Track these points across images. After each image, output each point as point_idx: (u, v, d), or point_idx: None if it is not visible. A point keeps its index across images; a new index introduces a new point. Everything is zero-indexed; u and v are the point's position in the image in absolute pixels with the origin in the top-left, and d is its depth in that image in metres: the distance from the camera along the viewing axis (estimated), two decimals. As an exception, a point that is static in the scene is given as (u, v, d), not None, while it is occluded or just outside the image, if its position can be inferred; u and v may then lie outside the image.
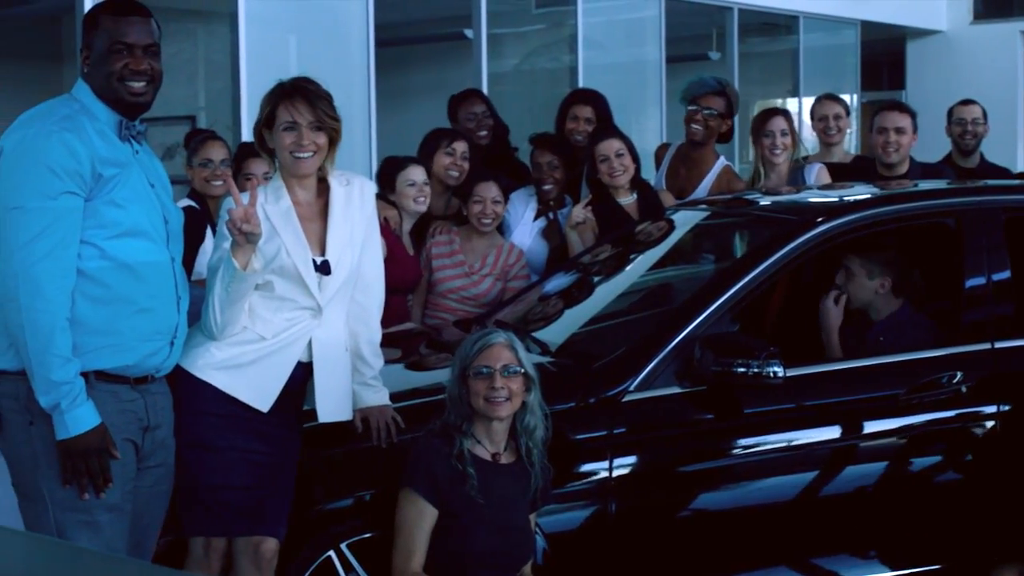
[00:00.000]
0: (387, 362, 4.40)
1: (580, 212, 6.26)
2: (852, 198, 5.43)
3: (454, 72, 12.82)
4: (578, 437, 4.40)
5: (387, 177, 6.14)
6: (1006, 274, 4.99)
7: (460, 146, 6.44)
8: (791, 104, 15.44)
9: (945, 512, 4.81)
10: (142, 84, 3.79)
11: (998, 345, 4.89)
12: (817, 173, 6.54)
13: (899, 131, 6.53)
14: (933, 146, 7.24)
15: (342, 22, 10.35)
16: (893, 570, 4.78)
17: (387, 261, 4.38)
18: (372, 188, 4.32)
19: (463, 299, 6.11)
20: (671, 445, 4.54)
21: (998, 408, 4.80)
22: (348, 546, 4.14)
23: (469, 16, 11.75)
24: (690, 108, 6.72)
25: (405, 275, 5.90)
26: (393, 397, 4.28)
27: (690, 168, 6.79)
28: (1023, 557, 4.55)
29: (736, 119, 6.92)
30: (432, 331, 5.85)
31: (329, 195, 4.17)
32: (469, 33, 11.86)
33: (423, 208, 6.11)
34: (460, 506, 4.01)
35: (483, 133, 7.09)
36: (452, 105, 7.27)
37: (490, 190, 6.13)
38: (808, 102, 8.12)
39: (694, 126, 6.69)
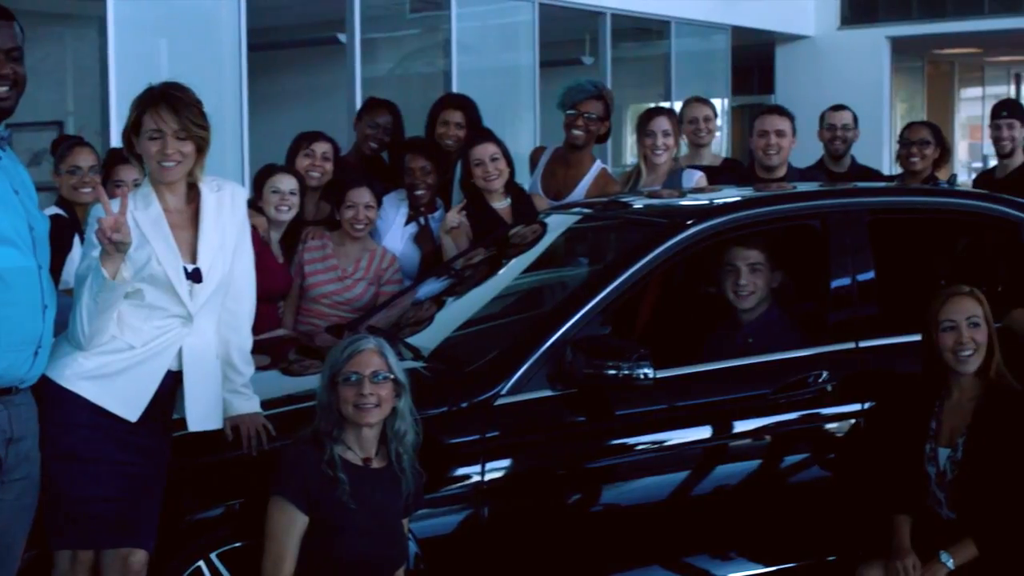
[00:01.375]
0: (258, 369, 4.37)
1: (454, 217, 6.27)
2: (721, 201, 5.50)
3: (328, 77, 12.78)
4: (450, 441, 4.40)
5: (260, 184, 6.11)
6: (870, 274, 5.09)
7: (320, 147, 6.42)
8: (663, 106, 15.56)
9: (812, 509, 4.89)
10: (5, 89, 3.71)
11: (862, 344, 4.98)
12: (697, 181, 6.61)
13: (779, 134, 6.63)
14: (802, 150, 7.36)
15: (214, 26, 10.26)
16: (763, 567, 4.84)
17: (256, 269, 4.34)
18: (243, 194, 4.29)
19: (336, 304, 6.09)
20: (543, 448, 4.56)
21: (862, 406, 4.89)
22: (218, 556, 4.09)
23: (343, 20, 11.70)
24: (569, 113, 6.74)
25: (274, 283, 5.87)
26: (264, 404, 4.25)
27: (567, 171, 6.83)
28: (887, 553, 4.63)
29: (610, 122, 6.97)
30: (304, 337, 5.82)
31: (200, 201, 4.13)
32: (343, 37, 11.81)
33: (286, 217, 6.08)
34: (331, 512, 3.99)
35: (374, 145, 7.09)
36: (361, 109, 7.32)
37: (363, 195, 6.11)
38: (680, 106, 8.21)
39: (575, 131, 6.73)
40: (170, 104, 4.01)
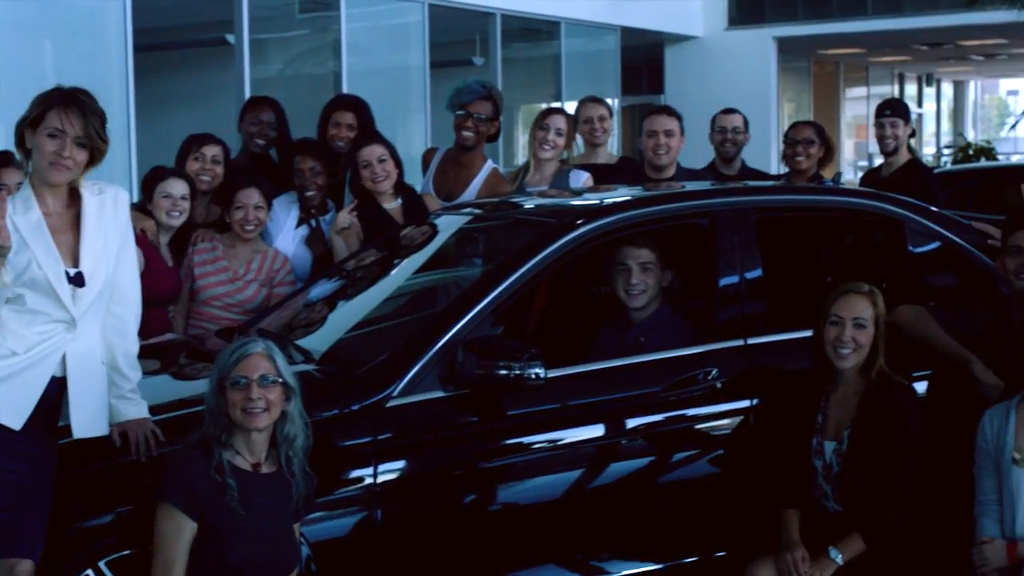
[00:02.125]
0: (146, 374, 4.33)
1: (345, 218, 6.25)
2: (611, 200, 5.53)
3: (217, 78, 12.67)
4: (343, 444, 4.38)
5: (149, 187, 6.02)
6: (758, 272, 5.15)
7: (210, 150, 6.36)
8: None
9: (703, 505, 4.93)
10: None
11: (751, 341, 5.04)
12: (584, 182, 6.64)
13: (668, 134, 6.71)
14: (691, 150, 7.43)
15: (99, 27, 10.13)
16: (656, 563, 4.88)
17: (145, 273, 4.30)
18: (126, 197, 4.24)
19: (228, 306, 6.03)
20: (436, 449, 4.56)
21: (751, 402, 4.95)
22: (107, 564, 4.04)
23: (231, 21, 11.61)
24: (458, 114, 6.76)
25: (164, 287, 5.80)
26: (153, 410, 4.20)
27: (458, 171, 6.83)
28: (777, 548, 4.68)
29: (501, 121, 7.00)
30: (194, 341, 5.76)
31: (81, 205, 4.07)
32: (231, 38, 11.72)
33: (177, 222, 6.00)
34: (220, 518, 3.95)
35: (261, 142, 7.03)
36: (243, 108, 7.24)
37: (252, 196, 6.07)
38: (571, 106, 8.25)
39: (465, 132, 6.74)
40: (80, 108, 3.96)
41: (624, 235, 5.17)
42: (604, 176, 6.89)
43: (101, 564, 4.03)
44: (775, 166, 16.06)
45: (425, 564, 4.52)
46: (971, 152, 22.54)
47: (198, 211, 6.36)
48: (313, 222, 6.45)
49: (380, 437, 4.39)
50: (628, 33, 17.47)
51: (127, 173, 9.64)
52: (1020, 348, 4.71)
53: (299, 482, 4.09)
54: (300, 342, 5.06)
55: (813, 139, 7.17)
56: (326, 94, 10.30)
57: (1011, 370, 4.64)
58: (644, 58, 19.64)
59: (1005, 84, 46.95)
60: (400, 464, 4.44)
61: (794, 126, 7.45)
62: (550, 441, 4.71)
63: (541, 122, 6.75)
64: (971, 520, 4.67)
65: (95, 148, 4.00)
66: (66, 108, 3.96)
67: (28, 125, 4.01)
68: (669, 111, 6.93)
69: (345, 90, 11.95)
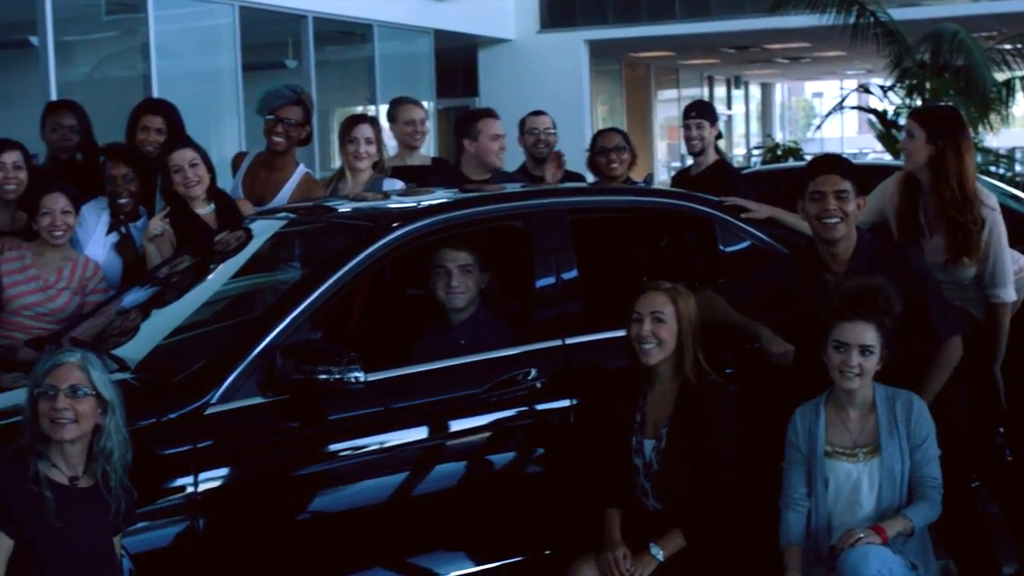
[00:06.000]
0: (-46, 386, 4.20)
1: (157, 224, 6.15)
2: (427, 203, 5.55)
3: (20, 80, 12.35)
4: (162, 453, 4.31)
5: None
6: (573, 273, 5.21)
7: (10, 157, 6.18)
8: (369, 111, 15.65)
9: (528, 505, 4.97)
10: None
11: (569, 341, 5.10)
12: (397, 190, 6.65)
13: (504, 137, 6.79)
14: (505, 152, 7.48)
15: None
16: (483, 564, 4.90)
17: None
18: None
19: (39, 316, 5.88)
20: (258, 456, 4.51)
21: (571, 402, 5.01)
22: (-84, 583, 3.93)
23: (34, 22, 11.33)
24: (268, 119, 6.72)
25: (-31, 297, 5.65)
26: (-38, 422, 4.09)
27: (269, 175, 6.79)
28: (598, 546, 4.74)
29: (316, 123, 6.96)
30: (3, 352, 5.61)
31: None
32: (35, 40, 11.44)
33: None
34: (36, 532, 3.86)
35: (63, 148, 6.87)
36: (44, 113, 7.08)
37: (58, 201, 5.92)
38: (386, 108, 8.24)
39: (276, 137, 6.72)
40: None
41: (441, 237, 5.18)
42: (418, 177, 6.90)
43: (-91, 584, 3.92)
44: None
45: (250, 573, 4.47)
46: (779, 152, 23.11)
47: (3, 218, 6.19)
48: (124, 228, 6.33)
49: (200, 445, 4.33)
50: (441, 36, 17.51)
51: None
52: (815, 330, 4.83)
53: (117, 497, 4.01)
54: (115, 351, 4.96)
55: (624, 145, 7.27)
56: (135, 97, 10.10)
57: (818, 367, 4.77)
58: (458, 61, 19.71)
59: (810, 86, 48.32)
60: (221, 472, 4.38)
61: (602, 135, 7.51)
62: (373, 445, 4.70)
63: (348, 134, 6.75)
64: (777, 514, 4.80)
65: None
66: None
67: None
68: (494, 114, 6.99)
69: (155, 93, 11.76)
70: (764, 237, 5.71)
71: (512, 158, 7.82)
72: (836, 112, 18.18)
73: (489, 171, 6.83)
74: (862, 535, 4.49)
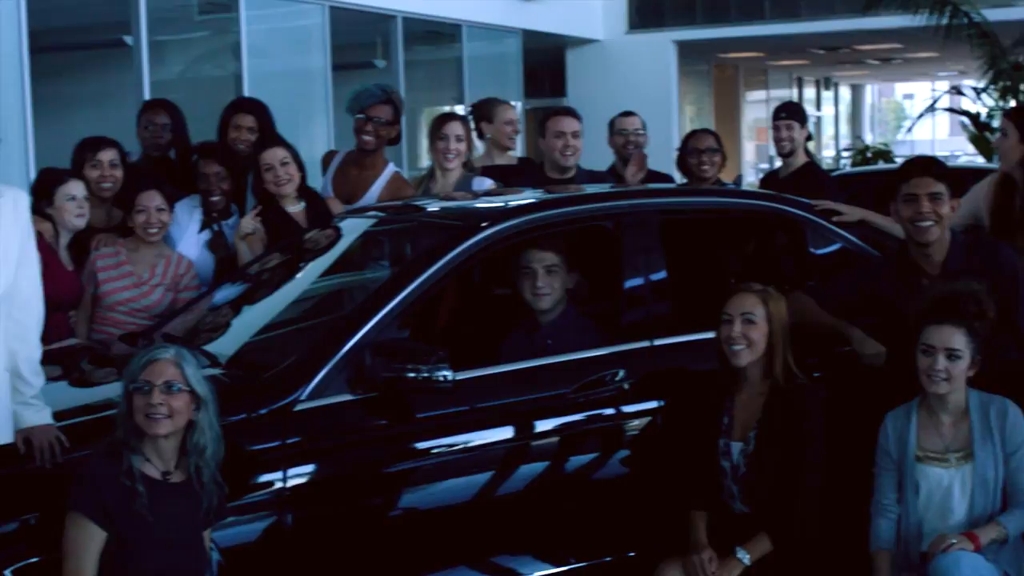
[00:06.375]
0: (49, 380, 4.27)
1: (249, 223, 6.21)
2: (516, 203, 5.55)
3: (115, 79, 12.51)
4: (251, 449, 4.35)
5: (44, 190, 5.92)
6: (662, 274, 5.19)
7: (106, 155, 6.27)
8: (457, 111, 15.67)
9: (612, 506, 4.96)
10: None
11: (657, 343, 5.08)
12: (487, 188, 6.65)
13: (575, 135, 6.76)
14: (592, 153, 7.46)
15: (-8, 28, 9.96)
16: (566, 565, 4.90)
17: (44, 277, 4.22)
18: (26, 200, 4.18)
19: (133, 311, 5.96)
20: (345, 453, 4.54)
21: (659, 403, 4.99)
22: (14, 571, 3.97)
23: (129, 22, 11.47)
24: (358, 118, 6.75)
25: (64, 291, 5.71)
26: (56, 416, 4.15)
27: (359, 173, 6.82)
28: (685, 549, 4.72)
29: (404, 123, 6.98)
30: (97, 346, 5.69)
31: (-21, 209, 4.01)
32: (129, 40, 11.58)
33: (82, 224, 5.93)
34: (129, 526, 3.91)
35: (155, 145, 6.97)
36: (139, 113, 7.18)
37: (153, 199, 6.00)
38: (472, 108, 8.25)
39: (365, 136, 6.74)
40: None
41: (529, 238, 5.18)
42: (505, 177, 6.90)
43: (7, 572, 3.97)
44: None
45: (336, 568, 4.49)
46: (869, 155, 22.89)
47: (99, 215, 6.28)
48: (216, 226, 6.40)
49: (289, 441, 4.37)
50: (530, 36, 17.51)
51: (25, 176, 9.48)
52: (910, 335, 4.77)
53: (208, 492, 4.06)
54: (206, 346, 5.01)
55: (716, 147, 7.24)
56: (227, 96, 10.19)
57: (910, 371, 4.71)
58: (546, 61, 19.71)
59: (901, 88, 47.77)
60: (310, 468, 4.42)
61: (694, 135, 7.47)
62: (459, 444, 4.72)
63: (439, 131, 6.73)
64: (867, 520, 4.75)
65: None
66: None
67: None
68: (573, 112, 6.97)
69: (246, 93, 11.85)
70: (855, 240, 5.66)
71: (601, 158, 7.81)
72: (928, 114, 17.96)
73: (559, 169, 6.79)
74: (954, 541, 4.43)
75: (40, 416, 4.10)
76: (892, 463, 4.70)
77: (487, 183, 6.69)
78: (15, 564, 3.99)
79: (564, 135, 6.75)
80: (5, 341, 4.06)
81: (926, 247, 5.05)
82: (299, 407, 4.42)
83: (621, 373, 4.95)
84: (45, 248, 5.59)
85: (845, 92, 36.91)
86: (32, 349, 4.16)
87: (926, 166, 5.18)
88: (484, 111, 7.76)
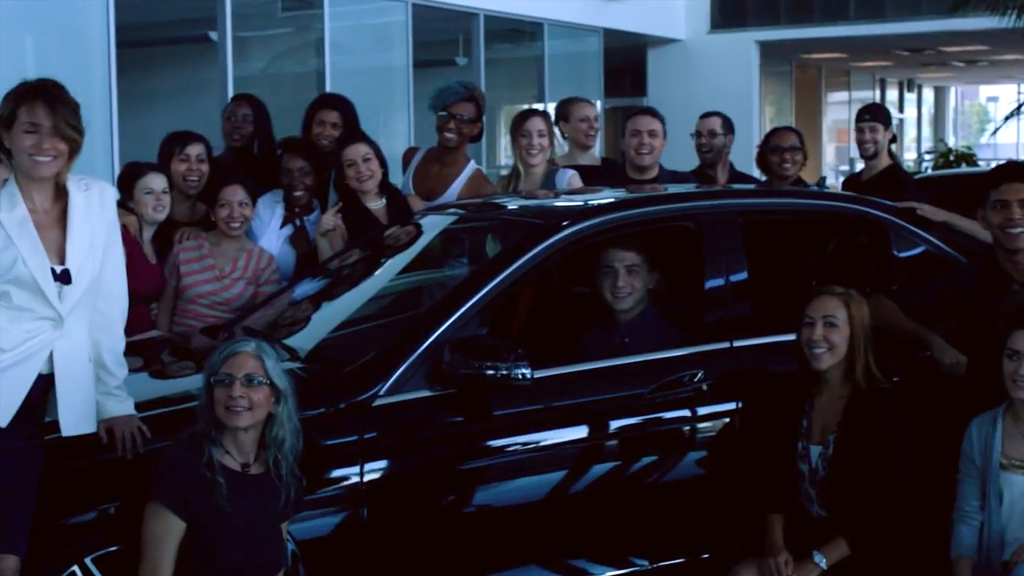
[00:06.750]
0: (131, 371, 4.31)
1: (330, 219, 6.24)
2: (597, 202, 5.54)
3: (199, 74, 12.64)
4: (328, 443, 4.37)
5: (127, 183, 6.00)
6: (743, 275, 5.16)
7: (194, 149, 6.34)
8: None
9: (687, 507, 4.94)
10: None
11: (736, 344, 5.05)
12: (569, 180, 6.64)
13: (651, 134, 6.70)
14: (674, 153, 7.42)
15: (81, 22, 10.10)
16: (639, 566, 4.88)
17: (128, 270, 4.27)
18: (112, 193, 4.22)
19: (214, 304, 6.01)
20: (423, 448, 4.56)
21: (737, 405, 4.96)
22: (93, 560, 4.03)
23: (214, 18, 11.58)
24: (441, 115, 6.75)
25: (147, 284, 5.78)
26: (138, 407, 4.19)
27: (440, 170, 6.83)
28: (760, 551, 4.69)
29: (484, 121, 6.98)
30: (178, 339, 5.74)
31: (67, 201, 4.05)
32: (214, 35, 11.69)
33: (161, 216, 5.99)
34: (208, 518, 3.95)
35: (236, 137, 7.02)
36: (224, 108, 7.27)
37: (236, 194, 6.05)
38: (551, 107, 8.25)
39: (447, 133, 6.73)
40: (46, 100, 3.94)
41: (610, 237, 5.17)
42: (587, 177, 6.89)
43: (87, 561, 4.02)
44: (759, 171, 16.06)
45: (410, 563, 4.51)
46: (952, 158, 22.60)
47: (183, 209, 6.34)
48: (298, 221, 6.44)
49: (366, 436, 4.38)
50: (611, 35, 17.47)
51: (110, 170, 9.61)
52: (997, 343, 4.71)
53: (287, 485, 4.09)
54: (286, 340, 5.04)
55: (798, 146, 7.17)
56: (309, 93, 10.27)
57: (994, 373, 4.65)
58: (627, 60, 19.66)
59: (985, 90, 47.12)
60: (386, 463, 4.44)
61: (776, 133, 7.41)
62: (535, 442, 4.71)
63: (521, 128, 6.71)
64: (949, 526, 4.69)
65: (69, 139, 3.97)
66: (32, 102, 3.93)
67: (2, 124, 3.98)
68: (652, 112, 6.93)
69: (328, 89, 11.93)
70: (940, 244, 5.59)
71: (687, 159, 7.77)
72: (1013, 117, 17.70)
73: (636, 168, 6.76)
74: (1037, 551, 4.37)
75: (123, 407, 4.14)
76: (975, 470, 4.64)
77: (569, 174, 6.67)
78: (95, 552, 4.04)
79: (640, 133, 6.71)
80: (90, 332, 4.11)
81: (1015, 254, 4.98)
82: (377, 402, 4.43)
83: (700, 374, 4.93)
84: (129, 241, 5.65)
85: (928, 94, 36.47)
86: (116, 340, 4.20)
87: (1017, 172, 5.11)
88: (562, 110, 7.75)
